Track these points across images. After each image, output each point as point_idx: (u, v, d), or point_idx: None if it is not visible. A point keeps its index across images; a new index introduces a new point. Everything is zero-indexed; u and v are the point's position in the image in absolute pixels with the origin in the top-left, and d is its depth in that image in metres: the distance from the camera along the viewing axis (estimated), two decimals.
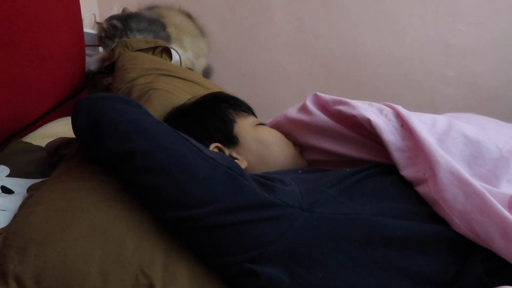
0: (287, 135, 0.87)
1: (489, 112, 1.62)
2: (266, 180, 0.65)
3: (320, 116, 0.80)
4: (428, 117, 0.72)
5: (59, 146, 0.81)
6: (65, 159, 0.76)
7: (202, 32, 1.53)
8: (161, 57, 1.21)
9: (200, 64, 1.48)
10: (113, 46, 1.18)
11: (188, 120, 0.82)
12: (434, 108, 1.74)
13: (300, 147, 0.86)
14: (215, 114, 0.82)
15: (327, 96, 0.82)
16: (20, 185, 0.78)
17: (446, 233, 0.59)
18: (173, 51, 1.28)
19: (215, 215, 0.60)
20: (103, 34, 1.26)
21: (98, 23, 1.31)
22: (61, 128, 0.99)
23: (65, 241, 0.58)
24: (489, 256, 0.57)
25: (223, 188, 0.61)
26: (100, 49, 1.37)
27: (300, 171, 0.75)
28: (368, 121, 0.71)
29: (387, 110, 0.74)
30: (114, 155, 0.63)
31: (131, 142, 0.62)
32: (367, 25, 1.66)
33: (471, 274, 0.58)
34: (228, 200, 0.60)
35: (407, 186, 0.66)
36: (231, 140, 0.80)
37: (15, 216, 0.68)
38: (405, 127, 0.69)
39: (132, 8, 1.56)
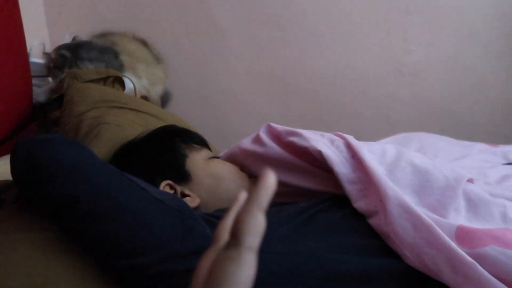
0: (242, 167, 0.85)
1: (442, 127, 1.70)
2: (218, 220, 0.63)
3: (273, 148, 0.79)
4: (377, 147, 0.73)
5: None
6: (3, 205, 0.71)
7: (157, 59, 1.51)
8: (113, 87, 1.18)
9: (156, 91, 1.45)
10: (62, 77, 1.14)
11: (138, 156, 0.79)
12: (391, 125, 1.79)
13: (255, 179, 0.85)
14: (165, 149, 0.80)
15: (279, 127, 0.81)
16: None
17: (398, 267, 0.59)
18: (126, 80, 1.25)
19: (164, 262, 0.57)
20: (51, 65, 1.22)
21: (45, 53, 1.26)
22: (3, 168, 0.94)
23: None
24: None
25: (172, 233, 0.58)
26: (50, 79, 1.32)
27: None
28: (320, 153, 0.71)
29: (338, 141, 0.74)
30: (54, 202, 0.60)
31: (72, 188, 0.59)
32: (323, 47, 1.69)
33: None
34: (177, 245, 0.58)
35: (360, 219, 0.66)
36: (183, 176, 0.78)
37: None
38: (355, 158, 0.70)
39: (85, 35, 1.52)
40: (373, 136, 1.23)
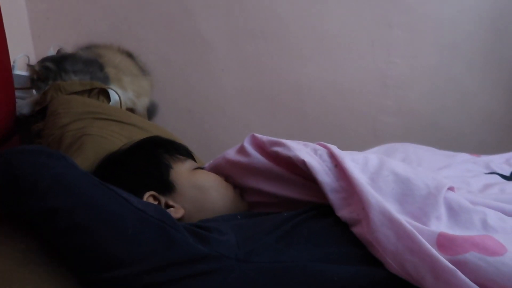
0: (227, 177, 0.85)
1: (426, 138, 1.72)
2: (202, 230, 0.63)
3: (258, 158, 0.80)
4: (360, 156, 0.74)
5: None
6: None
7: (143, 71, 1.51)
8: (98, 99, 1.17)
9: (142, 103, 1.45)
10: (45, 89, 1.13)
11: (121, 168, 0.79)
12: (377, 136, 1.80)
13: (241, 189, 0.85)
14: (149, 160, 0.80)
15: (263, 137, 0.82)
16: None
17: (381, 275, 0.59)
18: (112, 92, 1.25)
19: (146, 274, 0.57)
20: (35, 77, 1.21)
21: (29, 65, 1.26)
22: None
23: None
24: None
25: (154, 244, 0.58)
26: (34, 91, 1.31)
27: (239, 216, 0.74)
28: (303, 163, 0.71)
29: (322, 151, 0.74)
30: (34, 214, 0.59)
31: (52, 200, 0.58)
32: (308, 59, 1.71)
33: None
34: (160, 256, 0.57)
35: (344, 228, 0.66)
36: (167, 187, 0.77)
37: None
38: (338, 167, 0.70)
39: (70, 48, 1.51)
40: (359, 147, 1.24)
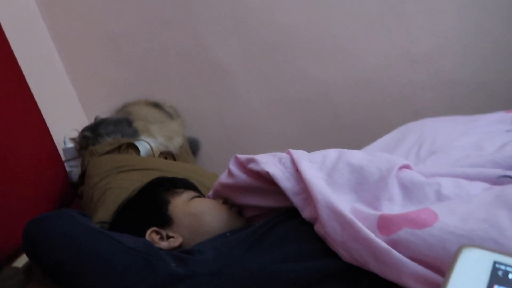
0: (226, 199, 0.93)
1: (473, 104, 1.60)
2: (184, 254, 0.71)
3: (240, 176, 0.86)
4: (319, 155, 0.77)
5: (31, 267, 0.92)
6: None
7: (171, 115, 1.66)
8: (128, 152, 1.33)
9: (175, 144, 1.59)
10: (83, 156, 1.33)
11: (128, 212, 0.91)
12: (420, 115, 1.71)
13: (239, 207, 0.92)
14: (150, 200, 0.91)
15: (242, 157, 0.88)
16: None
17: (336, 265, 0.62)
18: (140, 143, 1.41)
19: None
20: (77, 147, 1.42)
21: (71, 138, 1.48)
22: None
23: None
24: (375, 278, 0.59)
25: (139, 274, 0.68)
26: None
27: (228, 234, 0.81)
28: (268, 174, 0.76)
29: (286, 158, 0.79)
30: (49, 268, 0.73)
31: (58, 254, 0.72)
32: (327, 59, 1.71)
33: None
34: (144, 283, 0.67)
35: (308, 227, 0.70)
36: (165, 221, 0.87)
37: None
38: (299, 171, 0.74)
39: (111, 111, 1.72)
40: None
